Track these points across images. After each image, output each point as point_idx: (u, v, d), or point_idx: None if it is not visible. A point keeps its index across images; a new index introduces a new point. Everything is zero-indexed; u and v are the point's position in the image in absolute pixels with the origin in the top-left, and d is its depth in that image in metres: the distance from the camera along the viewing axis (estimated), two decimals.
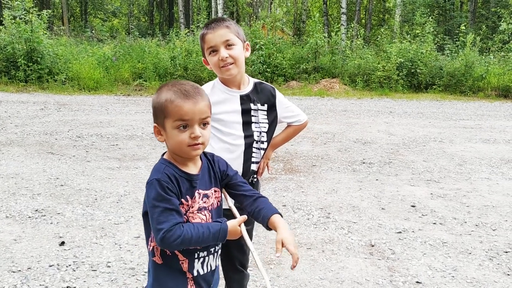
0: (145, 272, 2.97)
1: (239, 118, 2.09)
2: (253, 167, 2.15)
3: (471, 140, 7.58)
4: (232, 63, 2.02)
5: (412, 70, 15.16)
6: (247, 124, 2.10)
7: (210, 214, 1.61)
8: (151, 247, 1.59)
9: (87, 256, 3.17)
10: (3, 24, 13.14)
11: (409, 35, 16.53)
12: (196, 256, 1.59)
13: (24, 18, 12.72)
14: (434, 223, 3.97)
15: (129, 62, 14.34)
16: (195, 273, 1.59)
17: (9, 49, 12.49)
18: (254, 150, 2.13)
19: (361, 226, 3.86)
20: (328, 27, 22.79)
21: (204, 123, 1.55)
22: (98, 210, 4.05)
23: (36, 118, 8.17)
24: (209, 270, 1.64)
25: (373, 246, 3.48)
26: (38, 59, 12.56)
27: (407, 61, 15.21)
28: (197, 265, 1.60)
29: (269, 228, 1.64)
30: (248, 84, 2.16)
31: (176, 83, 1.56)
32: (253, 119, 2.12)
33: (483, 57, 16.23)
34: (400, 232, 3.75)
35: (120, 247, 3.33)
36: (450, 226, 3.92)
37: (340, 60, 16.25)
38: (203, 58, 2.14)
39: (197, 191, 1.58)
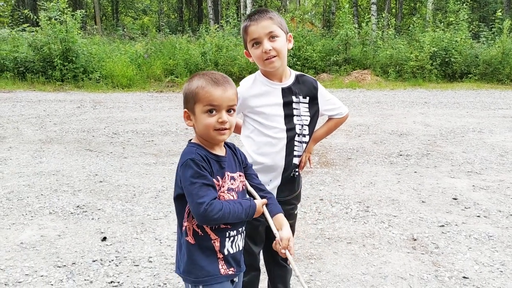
0: None
1: (281, 111, 2.06)
2: (295, 160, 2.11)
3: (511, 130, 7.33)
4: (275, 56, 1.99)
5: (446, 59, 14.76)
6: (289, 117, 2.07)
7: (237, 195, 1.71)
8: (184, 227, 1.67)
9: (128, 251, 3.22)
10: (39, 25, 13.49)
11: (442, 23, 16.10)
12: (227, 235, 1.67)
13: (59, 19, 13.01)
14: (478, 216, 3.85)
15: (161, 59, 14.49)
16: (226, 252, 1.67)
17: (45, 49, 12.82)
18: (296, 143, 2.09)
19: (401, 220, 3.78)
20: (358, 18, 22.41)
21: (230, 110, 1.64)
22: (137, 205, 4.11)
23: (73, 116, 8.36)
24: (237, 249, 1.72)
25: (415, 240, 3.40)
26: (73, 58, 12.85)
27: (441, 50, 14.82)
28: (228, 244, 1.67)
29: None
30: (289, 77, 2.12)
31: (207, 72, 1.67)
32: (295, 112, 2.09)
33: None
34: (443, 226, 3.65)
35: (161, 242, 3.36)
36: (495, 219, 3.80)
37: (371, 51, 15.99)
38: (245, 51, 2.12)
39: (226, 172, 1.68)
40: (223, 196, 1.64)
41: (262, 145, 2.04)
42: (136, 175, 4.99)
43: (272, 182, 2.09)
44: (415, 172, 5.14)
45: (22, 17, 15.88)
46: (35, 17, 14.00)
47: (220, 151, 1.70)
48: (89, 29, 19.58)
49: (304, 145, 2.14)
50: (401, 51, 15.31)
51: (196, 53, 14.43)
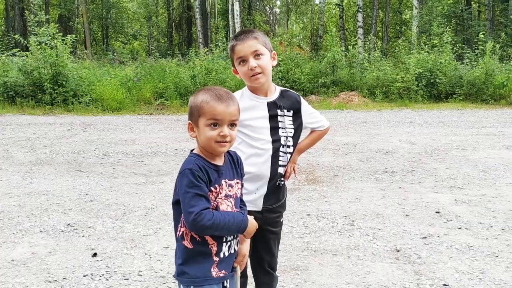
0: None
1: (267, 124, 2.18)
2: (280, 170, 2.23)
3: (494, 147, 7.52)
4: (261, 73, 2.12)
5: (432, 80, 15.11)
6: (274, 129, 2.20)
7: (234, 201, 1.81)
8: (180, 232, 1.76)
9: (119, 266, 3.27)
10: (30, 50, 13.62)
11: (427, 46, 16.52)
12: (224, 240, 1.77)
13: (49, 44, 13.16)
14: (460, 228, 3.97)
15: (151, 82, 14.65)
16: (221, 256, 1.77)
17: (35, 73, 12.91)
18: (281, 154, 2.21)
19: (386, 233, 3.89)
20: (345, 41, 22.91)
21: (232, 124, 1.75)
22: (127, 223, 4.17)
23: (64, 139, 8.42)
24: (232, 252, 1.82)
25: (398, 251, 3.50)
26: (63, 82, 12.95)
27: (426, 71, 15.18)
28: (225, 248, 1.78)
29: None
30: (274, 92, 2.26)
31: (212, 88, 1.78)
32: (280, 124, 2.21)
33: (504, 64, 16.10)
34: (425, 237, 3.76)
35: (150, 257, 3.43)
36: (476, 230, 3.92)
37: (358, 73, 16.33)
38: (232, 68, 2.26)
39: (223, 179, 1.78)
40: (220, 202, 1.74)
41: (249, 155, 2.15)
42: (126, 194, 5.06)
43: (258, 191, 2.20)
44: (400, 187, 5.27)
45: (12, 42, 16.01)
46: (25, 42, 14.13)
47: (219, 161, 1.80)
48: (79, 53, 19.76)
49: (289, 155, 2.26)
50: (387, 72, 15.66)
51: (186, 76, 14.62)
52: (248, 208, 2.12)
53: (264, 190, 2.20)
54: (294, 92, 2.36)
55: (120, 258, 3.41)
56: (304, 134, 2.38)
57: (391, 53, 19.60)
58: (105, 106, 13.09)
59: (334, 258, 3.39)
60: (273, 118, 2.20)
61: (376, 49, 18.73)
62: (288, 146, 2.25)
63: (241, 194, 1.89)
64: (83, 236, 3.86)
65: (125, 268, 3.25)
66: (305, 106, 2.33)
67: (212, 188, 1.73)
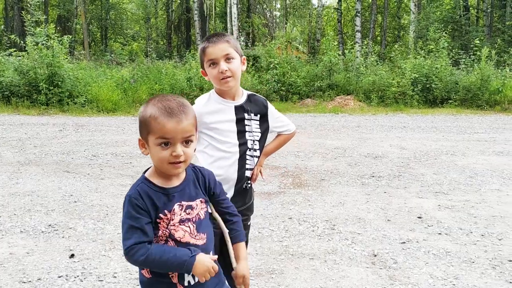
0: None
1: (233, 127, 2.19)
2: (247, 173, 2.24)
3: (484, 152, 7.53)
4: (231, 76, 2.13)
5: (427, 85, 15.13)
6: (241, 132, 2.21)
7: (194, 225, 1.61)
8: None
9: (95, 268, 3.28)
10: (26, 50, 13.65)
11: (423, 51, 16.55)
12: None
13: (46, 44, 13.19)
14: (439, 234, 3.97)
15: (147, 84, 14.68)
16: (186, 284, 1.59)
17: (31, 74, 12.93)
18: (248, 157, 2.23)
19: (365, 237, 3.89)
20: (343, 45, 22.94)
21: (187, 141, 1.55)
22: (108, 224, 4.17)
23: (55, 139, 8.43)
24: (198, 280, 1.61)
25: (375, 256, 3.51)
26: (59, 82, 12.97)
27: (421, 76, 15.20)
28: (188, 277, 1.59)
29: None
30: (242, 96, 2.27)
31: (163, 98, 1.56)
32: (247, 128, 2.23)
33: (499, 70, 16.12)
34: (404, 243, 3.77)
35: None
36: (455, 236, 3.92)
37: (354, 77, 16.35)
38: (201, 70, 2.26)
39: (177, 203, 1.60)
40: (175, 229, 1.57)
41: (216, 159, 2.17)
42: (111, 196, 5.06)
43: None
44: (385, 192, 5.27)
45: (9, 42, 16.03)
46: (22, 42, 14.16)
47: (176, 180, 1.62)
48: (76, 54, 19.80)
49: (256, 159, 2.27)
50: (383, 77, 15.68)
51: (182, 78, 14.65)
52: None
53: (231, 193, 2.20)
54: (262, 96, 2.37)
55: (97, 260, 3.42)
56: (270, 137, 2.40)
57: (388, 57, 19.62)
58: (100, 107, 13.11)
59: (311, 262, 3.40)
60: (240, 122, 2.21)
61: (373, 53, 18.74)
62: (255, 150, 2.27)
63: (205, 215, 1.68)
64: (63, 237, 3.86)
65: (100, 269, 3.25)
66: (271, 110, 2.35)
67: (161, 215, 1.55)
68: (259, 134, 2.28)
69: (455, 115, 13.35)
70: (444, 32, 17.82)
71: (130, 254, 1.50)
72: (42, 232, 3.96)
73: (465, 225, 4.20)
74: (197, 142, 2.28)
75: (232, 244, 1.78)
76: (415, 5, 22.44)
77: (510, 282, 3.07)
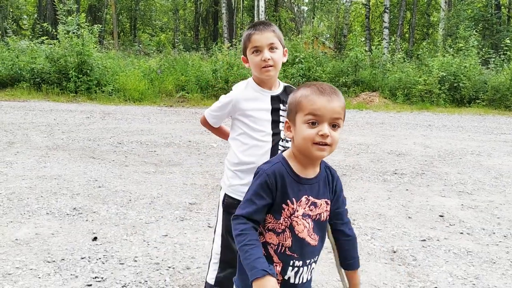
0: (169, 267, 3.12)
1: (268, 116, 2.20)
2: None
3: (511, 154, 7.37)
4: (272, 66, 2.15)
5: (455, 84, 14.85)
6: (275, 122, 2.22)
7: (312, 224, 1.56)
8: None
9: (116, 251, 3.36)
10: (57, 39, 13.94)
11: (452, 49, 16.23)
12: (291, 264, 1.54)
13: (77, 33, 13.45)
14: (461, 233, 3.93)
15: (173, 75, 14.82)
16: (287, 278, 1.55)
17: (62, 61, 13.23)
18: (280, 147, 2.24)
19: (385, 233, 3.87)
20: (370, 41, 22.66)
21: (334, 124, 1.48)
22: (131, 210, 4.26)
23: (82, 126, 8.62)
24: (301, 281, 1.57)
25: (395, 252, 3.49)
26: (88, 71, 13.23)
27: (449, 75, 14.93)
28: (290, 273, 1.55)
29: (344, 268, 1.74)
30: (279, 87, 2.28)
31: (315, 82, 1.55)
32: (281, 118, 2.24)
33: None
34: (424, 240, 3.74)
35: (148, 244, 3.50)
36: (478, 236, 3.87)
37: (380, 73, 16.16)
38: (242, 56, 2.28)
39: (305, 195, 1.55)
40: (297, 222, 1.52)
41: (249, 147, 2.19)
42: (135, 182, 5.16)
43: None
44: (407, 189, 5.22)
45: (42, 30, 16.39)
46: (54, 30, 14.47)
47: (312, 172, 1.57)
48: (106, 43, 20.12)
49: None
50: (410, 74, 15.45)
51: (208, 70, 14.73)
52: (234, 197, 2.19)
53: None
54: None
55: (119, 244, 3.50)
56: None
57: (415, 55, 19.31)
58: (127, 96, 13.31)
59: (329, 255, 3.39)
60: (274, 112, 2.23)
61: (401, 50, 18.46)
62: (287, 141, 2.28)
63: (326, 218, 1.61)
64: (86, 220, 3.96)
65: (122, 253, 3.33)
66: None
67: (289, 202, 1.51)
68: None
69: (482, 115, 13.08)
70: (474, 31, 17.44)
71: (234, 220, 1.52)
72: (67, 214, 4.07)
73: (488, 225, 4.13)
74: (231, 129, 2.33)
75: (348, 270, 1.70)
76: (445, 2, 22.00)
77: None
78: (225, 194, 2.23)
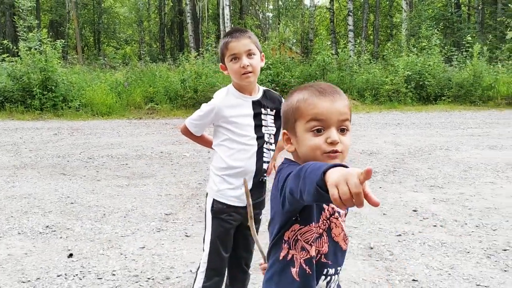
0: (148, 279, 3.08)
1: (251, 121, 2.24)
2: (264, 166, 2.28)
3: (478, 147, 7.59)
4: (251, 72, 2.17)
5: (421, 83, 15.22)
6: (258, 126, 2.25)
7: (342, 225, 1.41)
8: (289, 256, 1.34)
9: (93, 266, 3.29)
10: (19, 56, 13.62)
11: (415, 48, 16.65)
12: (324, 273, 1.35)
13: (39, 49, 13.17)
14: (435, 226, 4.02)
15: (141, 87, 14.67)
16: None
17: (25, 79, 12.90)
18: (265, 150, 2.27)
19: (361, 231, 3.93)
20: (336, 45, 23.03)
21: (343, 128, 1.30)
22: (106, 224, 4.19)
23: (50, 143, 8.43)
24: None
25: (372, 248, 3.54)
26: (53, 87, 12.94)
27: (415, 74, 15.29)
28: (322, 282, 1.35)
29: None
30: (258, 91, 2.31)
31: (310, 83, 1.37)
32: (263, 122, 2.27)
33: (492, 66, 16.25)
34: (399, 235, 3.81)
35: (126, 257, 3.45)
36: (451, 228, 3.97)
37: (348, 76, 16.42)
38: (220, 64, 2.30)
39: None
40: (335, 224, 1.36)
41: (236, 151, 2.21)
42: (108, 197, 5.07)
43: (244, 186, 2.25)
44: (380, 187, 5.31)
45: (1, 47, 16.00)
46: (15, 47, 14.13)
47: None
48: (70, 58, 19.77)
49: (272, 152, 2.32)
50: (377, 75, 15.76)
51: (176, 80, 14.65)
52: (234, 203, 2.20)
53: (249, 185, 2.24)
54: (276, 92, 2.42)
55: (96, 259, 3.43)
56: None
57: (381, 56, 19.72)
58: (95, 110, 13.09)
59: None
60: (257, 116, 2.26)
61: (366, 52, 18.83)
62: (271, 143, 2.32)
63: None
64: (60, 237, 3.87)
65: (99, 268, 3.27)
66: None
67: (324, 205, 1.33)
68: (274, 129, 2.33)
69: (448, 111, 13.44)
70: (436, 30, 17.94)
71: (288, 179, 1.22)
72: (40, 233, 3.97)
73: (460, 217, 4.24)
74: (214, 136, 2.33)
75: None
76: (406, 3, 22.56)
77: (505, 270, 3.12)
78: (214, 200, 2.23)
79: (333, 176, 0.96)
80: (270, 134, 2.29)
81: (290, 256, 1.32)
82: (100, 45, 32.11)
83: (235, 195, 2.20)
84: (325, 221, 1.32)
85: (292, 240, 1.32)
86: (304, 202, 1.12)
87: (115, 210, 4.59)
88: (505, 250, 3.46)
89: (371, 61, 17.50)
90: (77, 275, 3.16)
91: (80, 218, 4.37)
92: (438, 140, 8.32)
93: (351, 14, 22.66)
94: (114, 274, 3.15)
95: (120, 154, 7.36)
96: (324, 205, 1.32)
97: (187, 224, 4.17)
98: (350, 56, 18.03)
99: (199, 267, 2.29)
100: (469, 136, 8.65)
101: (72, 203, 4.83)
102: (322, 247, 1.32)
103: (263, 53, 2.28)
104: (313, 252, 1.30)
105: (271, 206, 1.39)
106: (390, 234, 3.84)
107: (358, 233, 3.87)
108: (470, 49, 16.19)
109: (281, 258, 1.34)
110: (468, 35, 18.10)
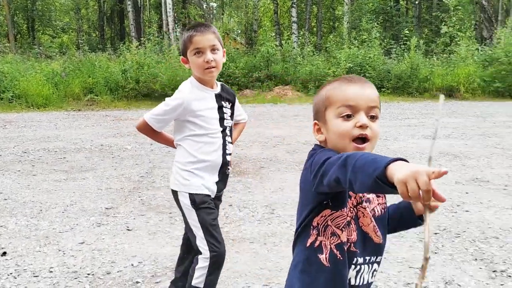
0: (88, 274, 3.00)
1: (216, 114, 2.25)
2: (228, 158, 2.30)
3: (414, 136, 7.94)
4: (215, 67, 2.18)
5: (362, 74, 15.65)
6: (221, 119, 2.27)
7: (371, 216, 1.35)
8: (317, 242, 1.31)
9: (29, 264, 3.16)
10: None
11: (356, 41, 17.11)
12: (354, 262, 1.31)
13: None
14: None
15: (80, 78, 14.14)
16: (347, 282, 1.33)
17: None
18: (227, 143, 2.29)
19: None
20: (280, 36, 23.21)
21: (372, 115, 1.29)
22: (43, 220, 4.02)
23: None
24: (362, 283, 1.35)
25: None
26: None
27: (356, 66, 15.74)
28: (352, 272, 1.32)
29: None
30: (217, 85, 2.32)
31: (339, 76, 1.40)
32: (225, 115, 2.29)
33: (428, 59, 17.01)
34: None
35: (64, 253, 3.33)
36: None
37: (292, 67, 16.63)
38: (182, 57, 2.28)
39: None
40: (363, 213, 1.32)
41: (203, 145, 2.21)
42: (45, 191, 4.87)
43: (212, 178, 2.25)
44: None
45: None
46: None
47: None
48: (1, 47, 18.69)
49: (231, 145, 2.34)
50: (320, 67, 16.06)
51: (117, 70, 14.25)
52: (202, 193, 2.19)
53: (216, 178, 2.26)
54: (228, 87, 2.46)
55: (32, 256, 3.29)
56: None
57: (324, 48, 20.11)
58: (30, 102, 12.51)
59: (251, 245, 3.46)
60: (220, 109, 2.28)
61: (310, 44, 19.13)
62: (230, 136, 2.34)
63: (384, 213, 1.38)
64: None
65: (35, 265, 3.14)
66: (236, 99, 2.46)
67: (351, 193, 1.30)
68: (231, 122, 2.36)
69: (388, 102, 13.94)
70: (376, 23, 18.52)
71: (325, 166, 1.19)
72: None
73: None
74: (178, 131, 2.28)
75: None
76: None
77: (435, 253, 3.29)
78: (191, 194, 2.19)
79: (401, 172, 0.96)
80: (229, 127, 2.32)
81: (318, 242, 1.30)
82: (34, 33, 30.51)
83: (208, 186, 2.21)
84: (352, 209, 1.30)
85: (321, 226, 1.30)
86: (353, 191, 1.14)
87: (53, 205, 4.42)
88: (436, 233, 3.66)
89: (314, 53, 17.80)
90: (11, 273, 3.01)
91: (14, 214, 4.17)
92: None
93: (294, 5, 22.88)
94: (51, 271, 3.04)
95: (58, 147, 7.08)
96: (351, 193, 1.30)
97: (128, 218, 4.09)
98: (294, 47, 18.26)
99: (196, 263, 2.22)
100: (406, 127, 9.02)
101: (5, 199, 4.60)
102: (351, 236, 1.30)
103: (224, 49, 2.29)
104: (344, 238, 1.28)
105: (300, 188, 1.38)
106: None
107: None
108: (407, 42, 16.85)
109: (308, 245, 1.32)
110: (406, 29, 18.82)
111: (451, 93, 15.27)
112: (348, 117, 1.26)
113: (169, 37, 18.97)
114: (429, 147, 1.09)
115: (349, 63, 15.63)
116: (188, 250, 2.45)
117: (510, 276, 2.98)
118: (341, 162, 1.10)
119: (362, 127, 1.24)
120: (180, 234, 3.73)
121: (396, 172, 0.96)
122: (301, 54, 17.47)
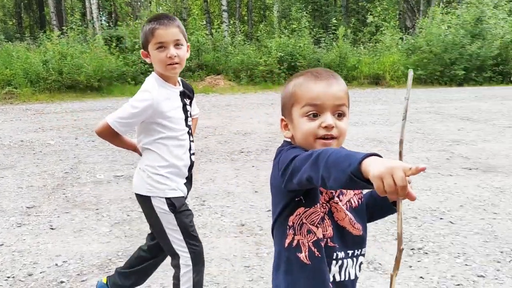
0: (8, 277, 2.84)
1: (182, 114, 2.14)
2: (193, 158, 2.21)
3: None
4: (178, 63, 2.05)
5: (292, 64, 15.87)
6: (186, 119, 2.17)
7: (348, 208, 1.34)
8: (295, 242, 1.30)
9: None
10: None
11: (287, 30, 17.32)
12: (334, 257, 1.30)
13: None
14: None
15: None
16: (331, 279, 1.31)
17: None
18: (191, 143, 2.20)
19: (234, 209, 4.03)
20: (210, 25, 23.01)
21: (339, 113, 1.27)
22: None
23: None
24: (348, 278, 1.34)
25: (243, 225, 3.66)
26: None
27: (287, 55, 15.91)
28: (334, 268, 1.31)
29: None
30: (179, 82, 2.20)
31: (308, 70, 1.35)
32: (188, 114, 2.19)
33: (355, 48, 17.58)
34: (269, 210, 3.96)
35: None
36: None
37: (223, 56, 16.55)
38: (142, 51, 2.13)
39: None
40: (336, 208, 1.30)
41: (174, 147, 2.10)
42: None
43: (182, 180, 2.15)
44: (253, 166, 5.49)
45: None
46: None
47: None
48: None
49: (193, 144, 2.24)
50: (251, 56, 16.10)
51: (37, 61, 13.43)
52: (179, 196, 2.11)
53: (184, 179, 2.17)
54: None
55: None
56: None
57: (255, 37, 20.19)
58: None
59: None
60: (184, 108, 2.17)
61: (241, 33, 19.14)
62: (191, 135, 2.24)
63: (360, 203, 1.36)
64: None
65: None
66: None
67: (321, 189, 1.28)
68: (191, 119, 2.27)
69: None
70: (305, 12, 18.83)
71: (292, 163, 1.18)
72: None
73: None
74: (146, 134, 2.13)
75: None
76: None
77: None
78: (168, 198, 2.07)
79: (377, 168, 0.95)
80: (191, 125, 2.23)
81: (295, 242, 1.30)
82: None
83: (181, 188, 2.12)
84: (324, 204, 1.29)
85: (297, 224, 1.29)
86: (326, 187, 1.11)
87: None
88: None
89: (245, 42, 17.83)
90: None
91: None
92: None
93: None
94: None
95: None
96: (322, 189, 1.28)
97: (52, 216, 3.91)
98: (225, 36, 18.18)
99: (179, 270, 2.15)
100: None
101: None
102: (326, 231, 1.29)
103: (188, 44, 2.16)
104: (320, 234, 1.28)
105: (271, 184, 1.38)
106: (261, 210, 4.00)
107: (231, 212, 3.97)
108: (336, 32, 17.30)
109: (286, 245, 1.31)
110: (334, 18, 19.31)
111: (377, 81, 15.89)
112: (314, 116, 1.26)
113: (93, 26, 18.21)
114: (400, 128, 1.11)
115: (280, 52, 15.79)
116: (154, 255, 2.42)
117: (426, 252, 3.17)
118: (313, 159, 1.10)
119: (327, 127, 1.24)
120: (107, 230, 3.64)
121: (371, 167, 0.97)
122: (232, 43, 17.42)
